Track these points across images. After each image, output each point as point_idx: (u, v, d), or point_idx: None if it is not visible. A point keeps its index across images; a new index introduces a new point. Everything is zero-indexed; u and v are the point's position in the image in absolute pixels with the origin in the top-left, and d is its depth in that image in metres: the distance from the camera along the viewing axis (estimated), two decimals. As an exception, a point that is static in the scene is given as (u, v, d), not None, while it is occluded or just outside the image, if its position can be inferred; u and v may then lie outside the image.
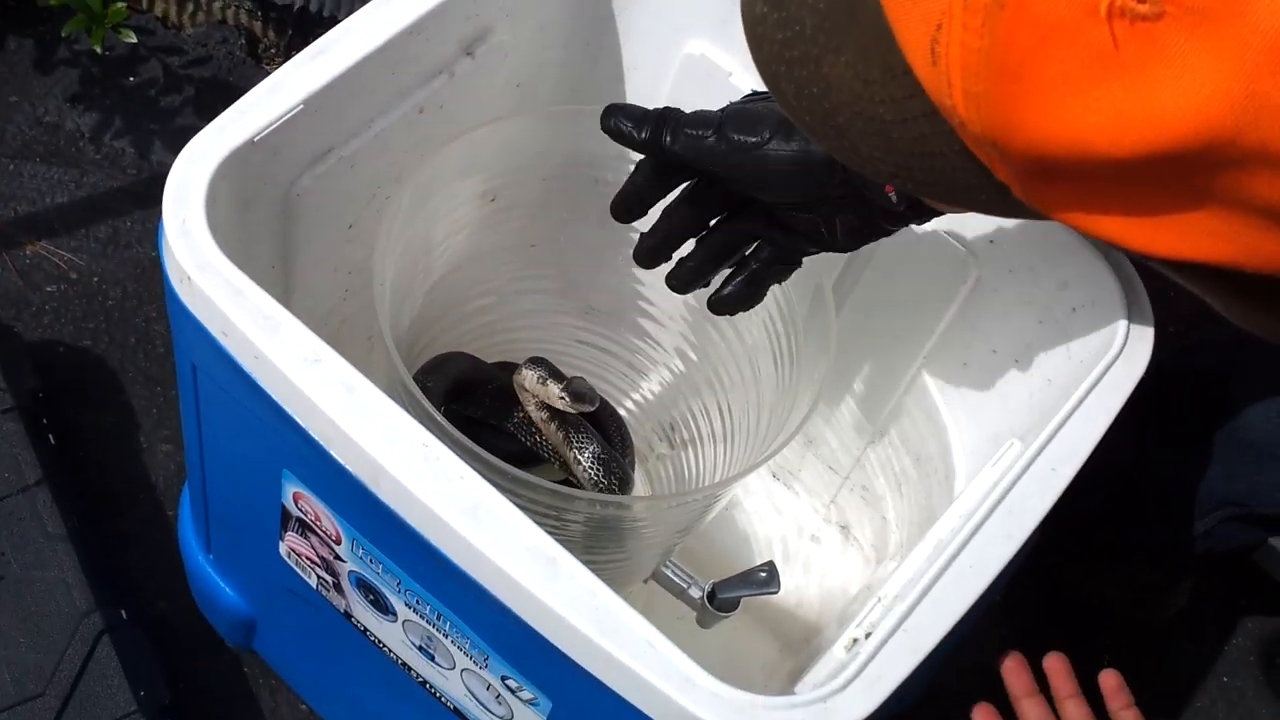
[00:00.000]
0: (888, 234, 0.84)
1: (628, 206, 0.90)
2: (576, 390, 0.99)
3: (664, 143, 0.83)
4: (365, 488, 0.79)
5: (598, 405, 1.00)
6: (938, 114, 0.57)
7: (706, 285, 0.92)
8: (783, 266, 0.88)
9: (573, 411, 1.00)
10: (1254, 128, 0.46)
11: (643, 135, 0.84)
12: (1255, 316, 0.60)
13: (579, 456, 1.01)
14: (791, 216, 0.83)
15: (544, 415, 1.02)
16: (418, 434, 0.77)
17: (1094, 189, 0.54)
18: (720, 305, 0.91)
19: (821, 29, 0.62)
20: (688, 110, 0.86)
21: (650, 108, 0.86)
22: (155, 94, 1.63)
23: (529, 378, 1.01)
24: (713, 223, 0.89)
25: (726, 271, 0.91)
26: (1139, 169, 0.50)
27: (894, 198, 0.77)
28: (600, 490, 1.00)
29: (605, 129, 0.86)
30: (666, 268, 0.93)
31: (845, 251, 0.86)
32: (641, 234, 0.92)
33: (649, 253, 0.91)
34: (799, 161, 0.80)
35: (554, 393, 0.99)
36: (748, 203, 0.86)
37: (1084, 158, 0.51)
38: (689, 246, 0.91)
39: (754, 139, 0.80)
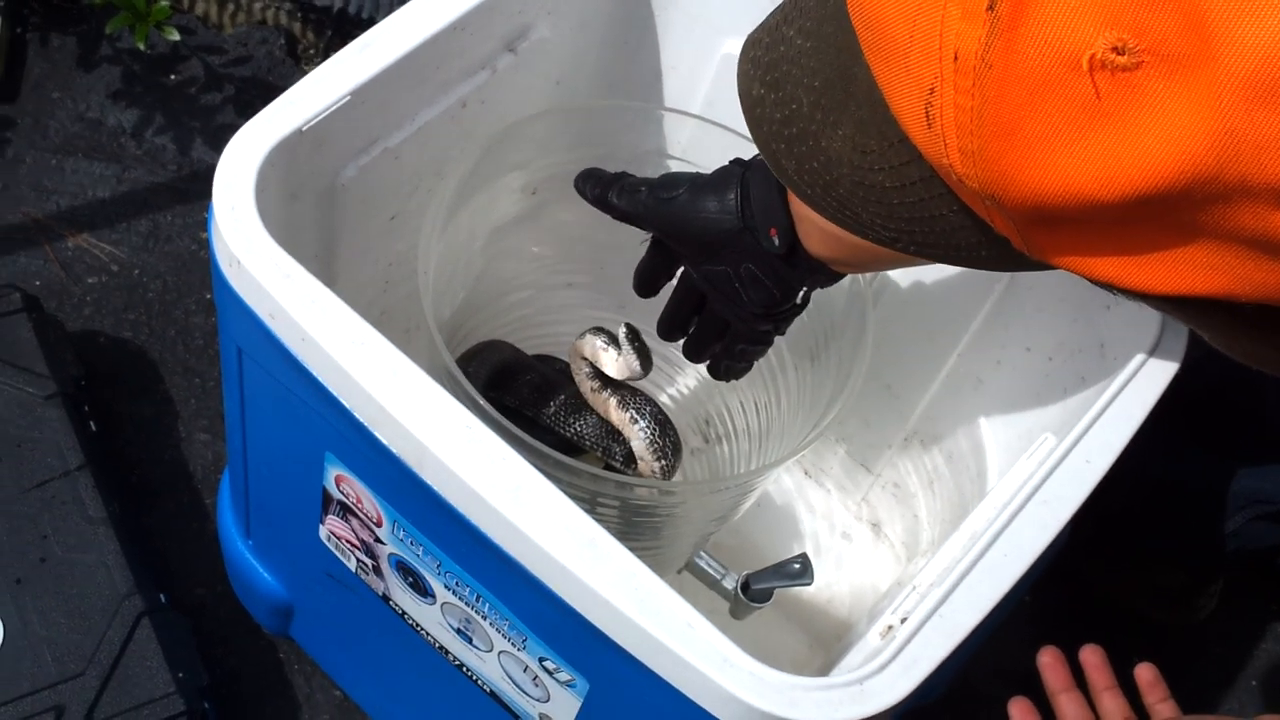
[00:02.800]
0: (797, 310, 0.92)
1: (641, 280, 1.00)
2: (642, 348, 1.00)
3: (609, 199, 0.94)
4: (408, 469, 0.80)
5: (650, 369, 1.02)
6: (935, 178, 0.61)
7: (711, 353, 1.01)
8: (749, 346, 0.97)
9: (637, 371, 1.00)
10: (1234, 163, 0.48)
11: (595, 192, 0.95)
12: (1253, 349, 0.62)
13: (637, 417, 1.01)
14: (710, 271, 0.91)
15: (595, 385, 1.03)
16: (461, 416, 0.78)
17: (1089, 233, 0.56)
18: (713, 374, 1.02)
19: (818, 106, 0.66)
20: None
21: (612, 170, 0.96)
22: (196, 92, 1.65)
23: (589, 344, 1.02)
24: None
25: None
26: (1130, 210, 0.52)
27: (776, 240, 0.84)
28: (656, 452, 1.00)
29: (575, 187, 0.97)
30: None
31: (764, 324, 0.93)
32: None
33: (641, 287, 1.02)
34: (701, 208, 0.89)
35: (612, 357, 1.00)
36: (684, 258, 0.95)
37: (1077, 203, 0.52)
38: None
39: (670, 194, 0.90)
